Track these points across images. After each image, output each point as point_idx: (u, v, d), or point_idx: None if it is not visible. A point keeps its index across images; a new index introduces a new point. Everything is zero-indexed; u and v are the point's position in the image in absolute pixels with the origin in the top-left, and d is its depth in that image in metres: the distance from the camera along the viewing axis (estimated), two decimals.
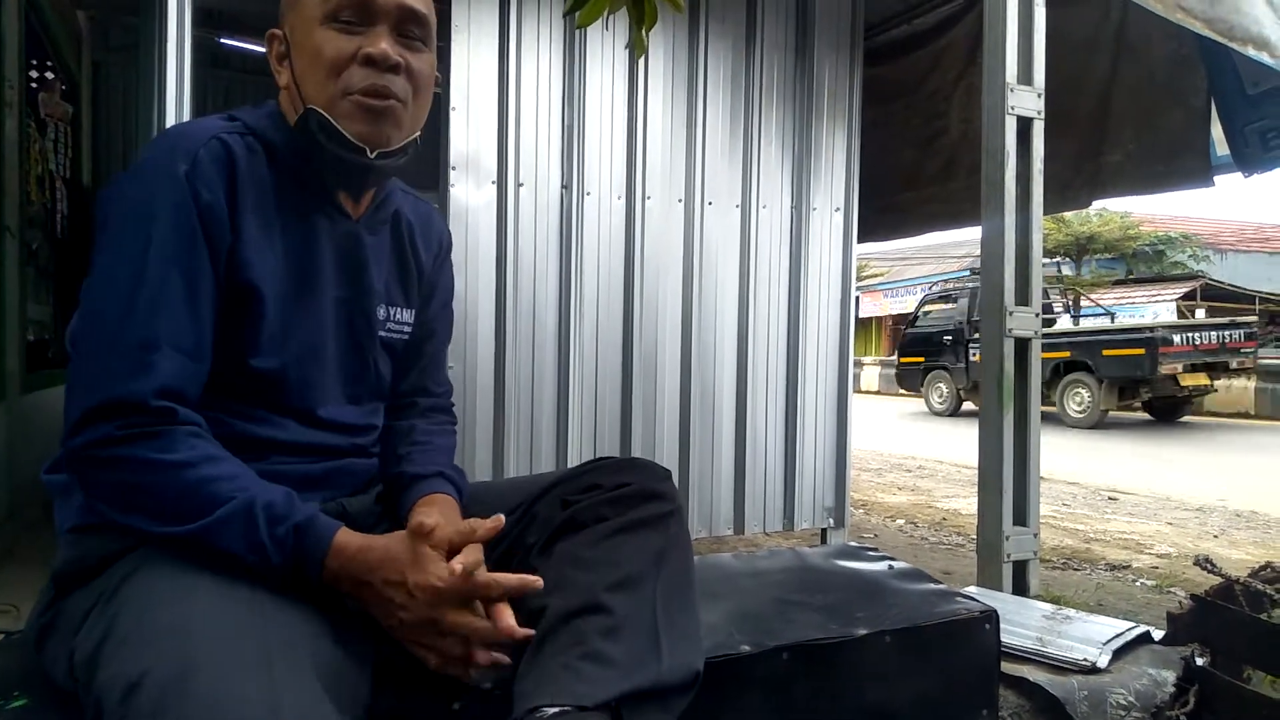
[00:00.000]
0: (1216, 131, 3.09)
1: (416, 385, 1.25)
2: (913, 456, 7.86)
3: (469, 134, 2.92)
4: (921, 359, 13.60)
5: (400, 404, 1.23)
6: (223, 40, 5.02)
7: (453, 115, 2.90)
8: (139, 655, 0.74)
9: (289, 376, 1.03)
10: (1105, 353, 10.51)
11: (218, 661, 0.72)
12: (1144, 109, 3.38)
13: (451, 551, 0.93)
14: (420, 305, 1.22)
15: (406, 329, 1.19)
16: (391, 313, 1.16)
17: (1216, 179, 3.22)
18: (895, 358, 15.44)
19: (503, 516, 0.97)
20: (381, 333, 1.14)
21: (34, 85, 4.14)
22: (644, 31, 0.93)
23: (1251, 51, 2.33)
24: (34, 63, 4.10)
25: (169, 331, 0.91)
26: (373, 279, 1.12)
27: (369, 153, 1.01)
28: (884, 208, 4.42)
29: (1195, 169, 3.23)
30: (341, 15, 0.99)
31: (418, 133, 1.08)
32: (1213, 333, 10.40)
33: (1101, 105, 3.50)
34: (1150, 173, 3.41)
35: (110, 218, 0.95)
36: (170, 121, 2.25)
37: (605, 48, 3.11)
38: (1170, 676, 1.53)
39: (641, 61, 3.15)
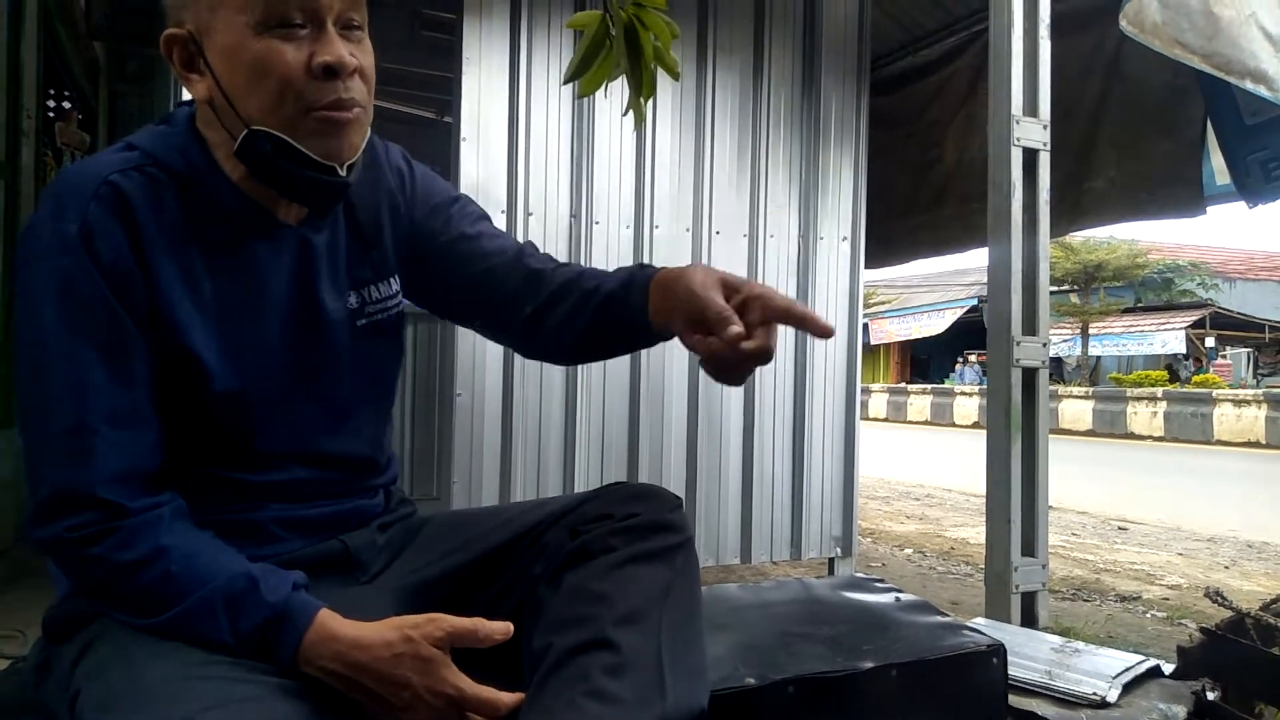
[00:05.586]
0: (1218, 161, 3.09)
1: (516, 275, 1.09)
2: (920, 485, 7.82)
3: (479, 163, 2.96)
4: None
5: (524, 296, 1.08)
6: None
7: (463, 145, 2.93)
8: (136, 711, 0.75)
9: (255, 422, 0.96)
10: None
11: (212, 716, 0.73)
12: (1130, 137, 3.36)
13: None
14: (418, 245, 1.10)
15: (394, 302, 1.07)
16: (368, 293, 1.05)
17: (1219, 209, 3.20)
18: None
19: (511, 625, 0.91)
20: (361, 321, 1.04)
21: (51, 114, 4.21)
22: (643, 100, 0.92)
23: (1249, 85, 2.34)
24: (51, 92, 4.17)
25: (97, 409, 0.84)
26: (325, 284, 1.01)
27: (339, 169, 0.93)
28: (876, 235, 4.43)
29: (1184, 198, 3.21)
30: (284, 20, 0.87)
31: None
32: None
33: (1088, 132, 3.49)
34: (1134, 200, 3.38)
35: (17, 287, 0.87)
36: None
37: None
38: (1181, 711, 1.51)
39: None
